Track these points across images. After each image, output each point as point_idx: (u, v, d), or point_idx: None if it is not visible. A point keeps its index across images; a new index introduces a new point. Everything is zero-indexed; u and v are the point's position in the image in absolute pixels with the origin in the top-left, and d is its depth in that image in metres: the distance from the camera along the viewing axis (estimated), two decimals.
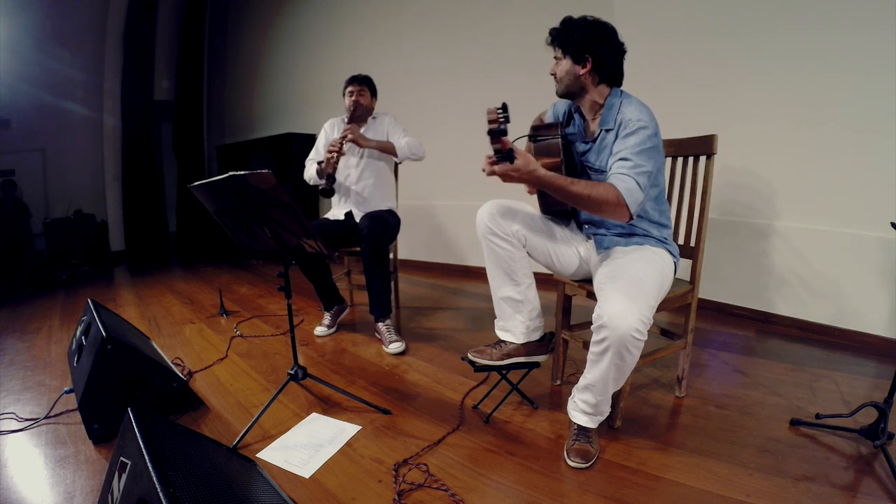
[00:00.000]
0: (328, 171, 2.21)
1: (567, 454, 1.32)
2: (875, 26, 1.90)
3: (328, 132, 2.49)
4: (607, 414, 1.36)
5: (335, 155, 2.20)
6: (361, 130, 2.34)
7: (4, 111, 4.33)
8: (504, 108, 1.15)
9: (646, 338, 1.15)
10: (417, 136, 2.38)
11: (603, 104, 1.39)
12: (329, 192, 2.25)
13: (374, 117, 2.46)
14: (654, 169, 1.29)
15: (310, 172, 2.37)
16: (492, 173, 1.23)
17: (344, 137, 2.22)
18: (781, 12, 2.14)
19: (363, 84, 2.43)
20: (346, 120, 2.37)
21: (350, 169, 2.38)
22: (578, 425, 1.34)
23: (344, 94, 2.44)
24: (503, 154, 1.17)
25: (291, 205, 1.36)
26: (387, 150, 2.32)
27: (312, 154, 2.47)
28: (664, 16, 2.52)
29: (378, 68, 3.96)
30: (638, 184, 1.23)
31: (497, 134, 1.14)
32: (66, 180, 4.86)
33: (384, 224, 2.19)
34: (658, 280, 1.28)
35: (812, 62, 2.09)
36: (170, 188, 5.84)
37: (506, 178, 1.23)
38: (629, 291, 1.18)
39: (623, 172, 1.25)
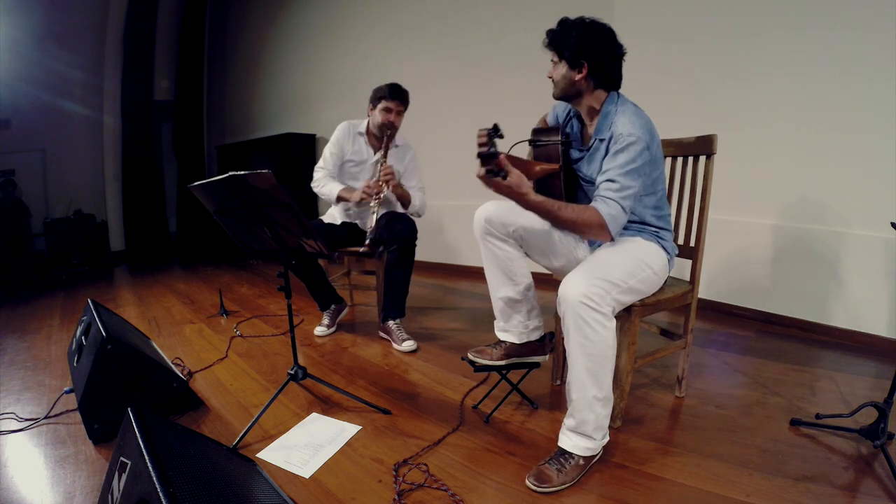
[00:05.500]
0: (371, 235, 1.99)
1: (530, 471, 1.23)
2: (875, 26, 1.90)
3: (342, 142, 2.26)
4: (596, 443, 1.24)
5: (375, 205, 2.01)
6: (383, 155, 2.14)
7: (4, 111, 4.33)
8: (496, 128, 1.14)
9: (605, 311, 1.15)
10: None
11: (599, 110, 1.36)
12: (371, 254, 2.03)
13: (397, 145, 2.25)
14: (642, 187, 1.29)
15: (323, 188, 2.22)
16: (483, 178, 1.20)
17: (379, 184, 2.04)
18: (782, 12, 2.15)
19: (405, 104, 2.16)
20: (380, 152, 2.13)
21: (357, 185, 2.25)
22: (559, 447, 1.27)
23: (375, 105, 2.16)
24: (495, 172, 1.18)
25: (291, 205, 1.36)
26: (403, 198, 2.23)
27: (322, 161, 2.29)
28: (664, 16, 2.53)
29: (378, 68, 3.98)
30: (622, 208, 1.25)
31: (487, 157, 1.14)
32: (66, 180, 4.86)
33: (412, 223, 2.16)
34: (630, 263, 1.28)
35: (812, 62, 2.09)
36: (170, 188, 5.84)
37: (497, 189, 1.22)
38: (587, 268, 1.22)
39: (609, 196, 1.25)
